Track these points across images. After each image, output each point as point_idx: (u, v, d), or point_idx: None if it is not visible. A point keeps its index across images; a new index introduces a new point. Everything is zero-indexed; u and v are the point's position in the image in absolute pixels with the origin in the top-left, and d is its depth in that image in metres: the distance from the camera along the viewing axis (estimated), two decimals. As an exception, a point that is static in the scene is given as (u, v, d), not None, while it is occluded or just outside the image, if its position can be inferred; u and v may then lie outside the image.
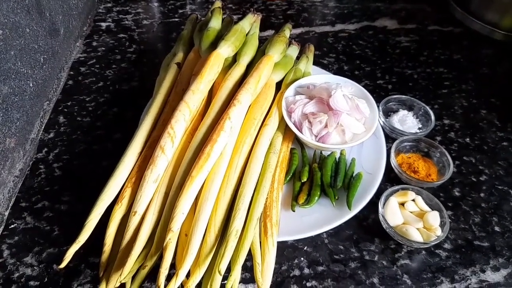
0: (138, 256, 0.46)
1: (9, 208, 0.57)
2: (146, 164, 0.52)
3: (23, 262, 0.52)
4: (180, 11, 0.98)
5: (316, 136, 0.60)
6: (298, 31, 0.94)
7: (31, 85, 0.63)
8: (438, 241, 0.53)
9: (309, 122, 0.61)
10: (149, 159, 0.52)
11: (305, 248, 0.55)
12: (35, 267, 0.51)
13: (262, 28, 0.83)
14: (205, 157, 0.51)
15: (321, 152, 0.64)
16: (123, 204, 0.50)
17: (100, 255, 0.48)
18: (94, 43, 0.86)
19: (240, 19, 0.72)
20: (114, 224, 0.49)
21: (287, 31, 0.74)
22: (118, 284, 0.45)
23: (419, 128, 0.70)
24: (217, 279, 0.45)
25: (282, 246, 0.54)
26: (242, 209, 0.49)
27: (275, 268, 0.49)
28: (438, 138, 0.71)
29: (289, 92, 0.65)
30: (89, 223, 0.47)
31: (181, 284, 0.44)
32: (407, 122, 0.70)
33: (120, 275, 0.44)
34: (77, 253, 0.46)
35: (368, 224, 0.58)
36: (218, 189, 0.51)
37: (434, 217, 0.55)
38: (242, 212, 0.49)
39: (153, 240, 0.48)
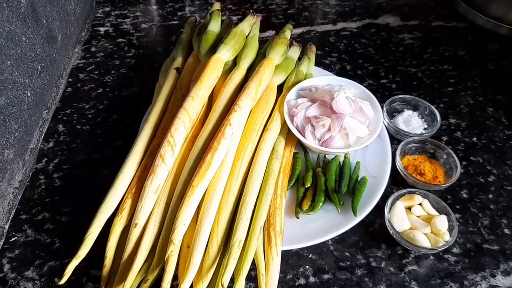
0: (140, 270, 0.46)
1: (9, 221, 0.56)
2: (146, 174, 0.51)
3: (24, 276, 0.51)
4: (179, 13, 0.96)
5: (319, 140, 0.59)
6: (299, 30, 0.93)
7: (29, 94, 0.62)
8: (447, 247, 0.52)
9: (312, 126, 0.59)
10: (149, 169, 0.51)
11: (310, 256, 0.54)
12: (36, 281, 0.50)
13: (263, 28, 0.82)
14: (206, 165, 0.50)
15: (324, 156, 0.63)
16: (123, 216, 0.49)
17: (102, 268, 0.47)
18: (93, 49, 0.85)
19: (240, 20, 0.71)
20: (114, 237, 0.48)
21: (288, 32, 0.73)
22: (120, 299, 0.44)
23: (425, 129, 0.68)
24: (221, 291, 0.44)
25: (286, 254, 0.53)
26: (244, 219, 0.48)
27: (280, 278, 0.48)
28: (444, 138, 0.70)
29: (291, 95, 0.64)
30: (89, 237, 0.46)
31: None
32: (412, 122, 0.68)
33: (122, 290, 0.43)
34: (78, 266, 0.46)
35: (374, 229, 0.57)
36: (220, 199, 0.50)
37: (441, 222, 0.54)
38: (244, 221, 0.48)
39: (155, 253, 0.47)
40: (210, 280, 0.45)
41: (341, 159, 0.62)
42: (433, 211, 0.56)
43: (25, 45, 0.62)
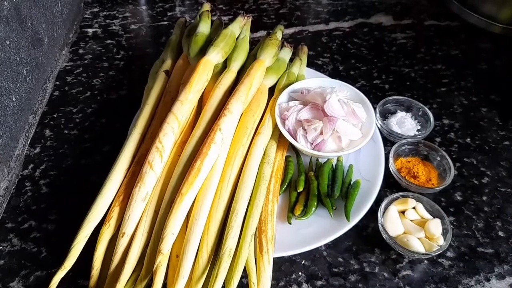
0: (128, 280, 0.44)
1: (-6, 230, 0.55)
2: (134, 181, 0.50)
3: (9, 287, 0.49)
4: (169, 13, 0.95)
5: (311, 144, 0.58)
6: (291, 30, 0.91)
7: (13, 99, 0.61)
8: (441, 251, 0.51)
9: (304, 129, 0.59)
10: (137, 176, 0.50)
11: (303, 262, 0.53)
12: (22, 293, 0.49)
13: (254, 28, 0.80)
14: (195, 172, 0.49)
15: (317, 159, 0.62)
16: (111, 225, 0.48)
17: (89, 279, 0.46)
18: (81, 51, 0.83)
19: (231, 20, 0.69)
20: (102, 246, 0.47)
21: (279, 33, 0.72)
22: (107, 311, 0.43)
23: (418, 130, 0.68)
24: (211, 302, 0.43)
25: (279, 261, 0.52)
26: (235, 227, 0.47)
27: (272, 285, 0.47)
28: (438, 139, 0.69)
29: (282, 98, 0.63)
30: (75, 248, 0.45)
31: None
32: (405, 124, 0.67)
33: (109, 302, 0.42)
34: (65, 276, 0.45)
35: (367, 233, 0.56)
36: (210, 206, 0.49)
37: (435, 226, 0.53)
38: (235, 229, 0.47)
39: (143, 263, 0.46)
40: (200, 290, 0.44)
41: (334, 162, 0.61)
42: (427, 215, 0.55)
43: (8, 49, 0.60)
